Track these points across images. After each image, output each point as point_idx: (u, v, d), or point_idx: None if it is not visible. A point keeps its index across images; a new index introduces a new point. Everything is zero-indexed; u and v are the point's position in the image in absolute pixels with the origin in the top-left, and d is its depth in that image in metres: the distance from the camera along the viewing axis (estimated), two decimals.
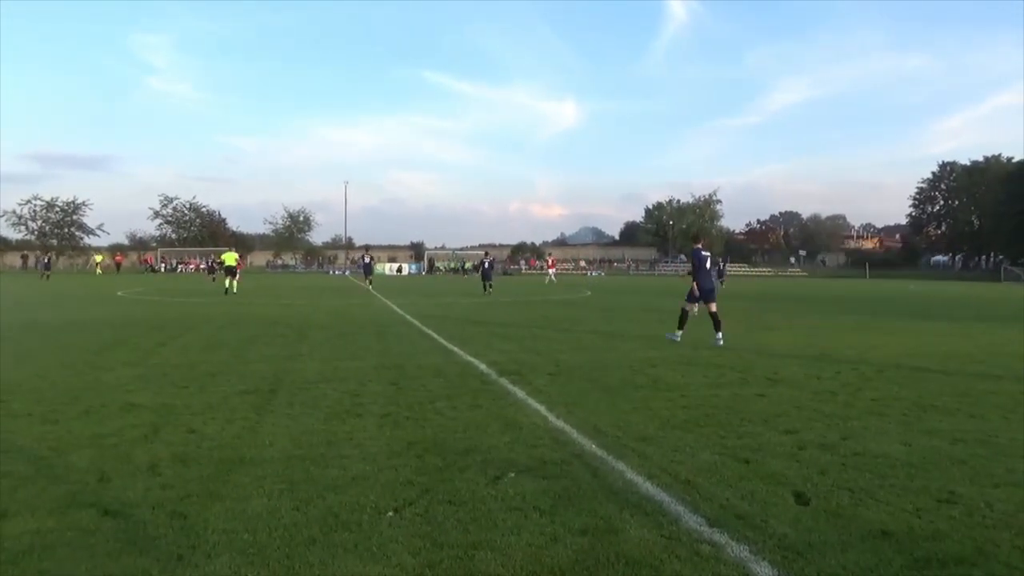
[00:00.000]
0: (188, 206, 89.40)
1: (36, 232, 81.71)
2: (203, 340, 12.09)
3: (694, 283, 12.48)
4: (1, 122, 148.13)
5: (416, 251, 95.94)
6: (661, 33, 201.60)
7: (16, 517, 3.84)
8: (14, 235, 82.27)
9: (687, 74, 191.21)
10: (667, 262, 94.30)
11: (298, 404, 6.82)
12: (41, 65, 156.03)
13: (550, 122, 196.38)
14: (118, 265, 67.94)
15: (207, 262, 51.10)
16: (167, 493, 4.24)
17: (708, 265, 12.72)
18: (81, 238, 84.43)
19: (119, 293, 28.93)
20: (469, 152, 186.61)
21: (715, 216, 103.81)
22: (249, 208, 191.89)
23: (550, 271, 50.05)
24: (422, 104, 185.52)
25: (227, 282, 28.72)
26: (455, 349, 11.00)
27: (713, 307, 12.35)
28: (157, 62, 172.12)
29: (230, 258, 30.32)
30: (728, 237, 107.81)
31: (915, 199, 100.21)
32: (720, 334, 12.06)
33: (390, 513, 3.91)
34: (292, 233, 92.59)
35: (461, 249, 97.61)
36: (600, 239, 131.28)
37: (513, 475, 4.60)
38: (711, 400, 7.20)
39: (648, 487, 4.40)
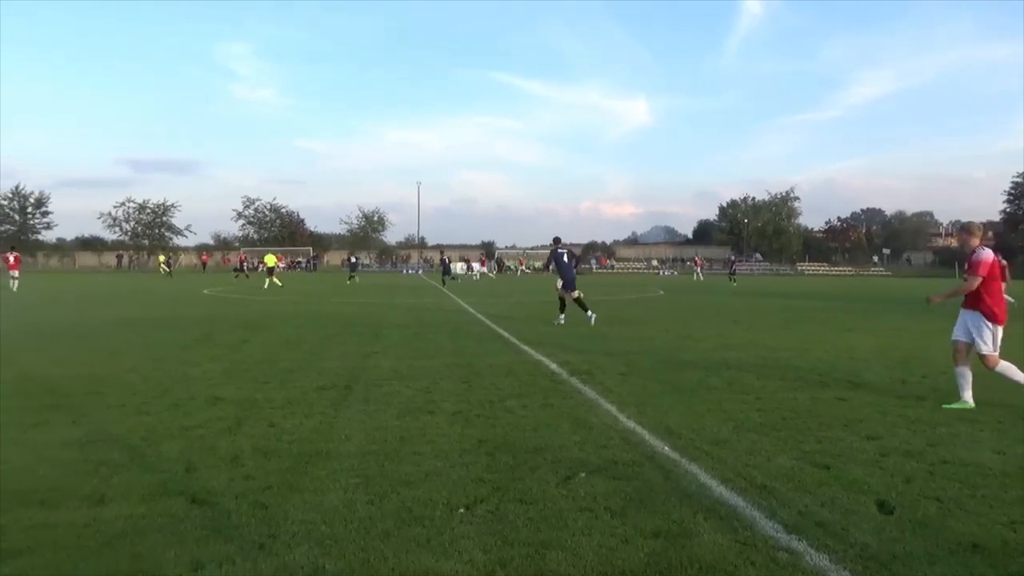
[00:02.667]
0: (269, 207, 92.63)
1: (129, 233, 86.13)
2: (282, 338, 12.51)
3: (558, 275, 15.96)
4: (99, 131, 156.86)
5: (487, 250, 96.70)
6: (735, 28, 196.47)
7: (112, 503, 4.06)
8: (110, 236, 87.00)
9: (762, 69, 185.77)
10: (742, 261, 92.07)
11: (373, 401, 6.97)
12: (135, 77, 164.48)
13: (621, 120, 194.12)
14: (204, 264, 70.93)
15: (239, 261, 54.32)
16: (249, 484, 4.41)
17: (566, 259, 15.94)
18: (170, 238, 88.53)
19: (205, 291, 30.22)
20: (539, 151, 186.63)
21: (792, 214, 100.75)
22: (326, 209, 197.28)
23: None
24: (492, 105, 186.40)
25: (266, 282, 33.32)
26: (526, 348, 11.03)
27: (575, 294, 15.59)
28: (241, 70, 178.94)
29: (270, 260, 36.49)
30: (806, 235, 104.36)
31: (1010, 194, 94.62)
32: (591, 312, 15.16)
33: (461, 510, 3.96)
34: (367, 233, 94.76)
35: (532, 248, 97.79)
36: (673, 238, 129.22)
37: (584, 475, 4.58)
38: (788, 403, 6.99)
39: (722, 491, 4.31)
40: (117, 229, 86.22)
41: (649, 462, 4.92)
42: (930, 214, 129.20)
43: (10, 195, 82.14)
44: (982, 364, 6.91)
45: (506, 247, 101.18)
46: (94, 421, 6.08)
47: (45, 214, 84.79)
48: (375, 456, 5.02)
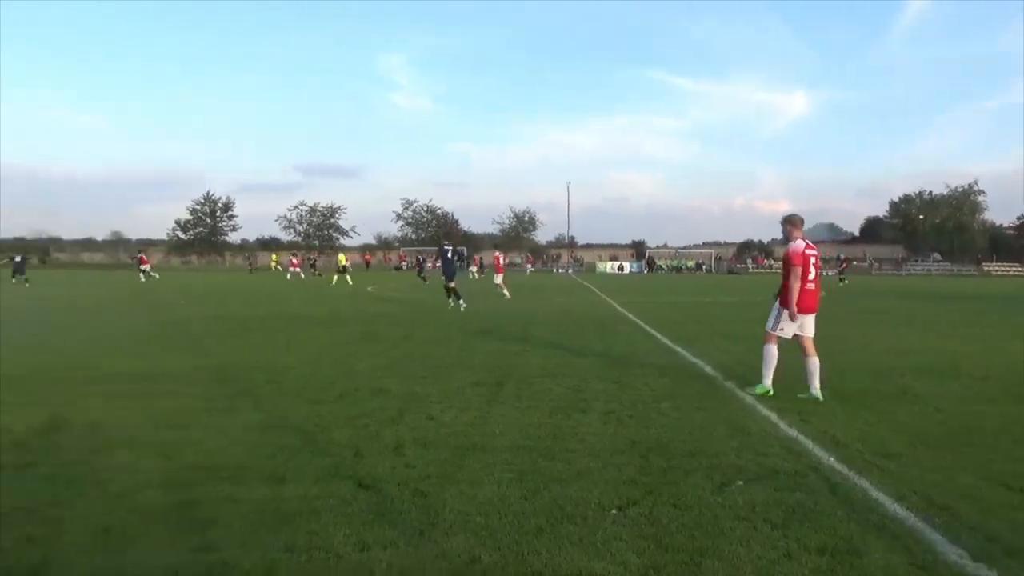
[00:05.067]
0: (426, 208, 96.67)
1: (302, 234, 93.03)
2: (437, 335, 13.02)
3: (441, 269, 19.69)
4: (276, 140, 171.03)
5: (637, 249, 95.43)
6: (901, 13, 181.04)
7: (290, 483, 4.41)
8: (285, 236, 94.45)
9: (932, 55, 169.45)
10: (917, 260, 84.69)
11: (525, 397, 7.10)
12: (307, 91, 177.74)
13: (776, 115, 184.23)
14: (367, 263, 75.18)
15: (310, 259, 58.06)
16: (410, 472, 4.63)
17: (450, 256, 19.86)
18: (337, 239, 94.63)
19: (368, 289, 32.03)
20: (691, 148, 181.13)
21: (976, 209, 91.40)
22: (478, 209, 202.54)
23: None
24: (644, 102, 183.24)
25: (334, 278, 37.39)
26: (679, 349, 10.79)
27: (451, 284, 19.46)
28: (400, 79, 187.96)
29: (342, 258, 40.87)
30: (993, 232, 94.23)
31: None
32: (462, 301, 18.54)
33: (614, 511, 3.94)
34: (518, 232, 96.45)
35: (684, 248, 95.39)
36: (837, 236, 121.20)
37: (741, 483, 4.42)
38: (973, 417, 6.36)
39: (896, 508, 4.00)
40: (292, 231, 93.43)
41: (813, 473, 4.65)
42: None
43: (202, 200, 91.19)
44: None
45: (657, 246, 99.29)
46: (273, 408, 6.63)
47: (231, 217, 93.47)
48: (528, 452, 5.11)
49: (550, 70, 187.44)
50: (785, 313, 7.26)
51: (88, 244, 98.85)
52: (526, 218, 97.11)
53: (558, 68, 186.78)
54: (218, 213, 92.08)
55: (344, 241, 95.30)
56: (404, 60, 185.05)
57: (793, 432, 5.72)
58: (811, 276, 7.33)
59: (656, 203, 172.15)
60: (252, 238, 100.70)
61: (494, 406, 6.69)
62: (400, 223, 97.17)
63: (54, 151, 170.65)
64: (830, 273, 50.99)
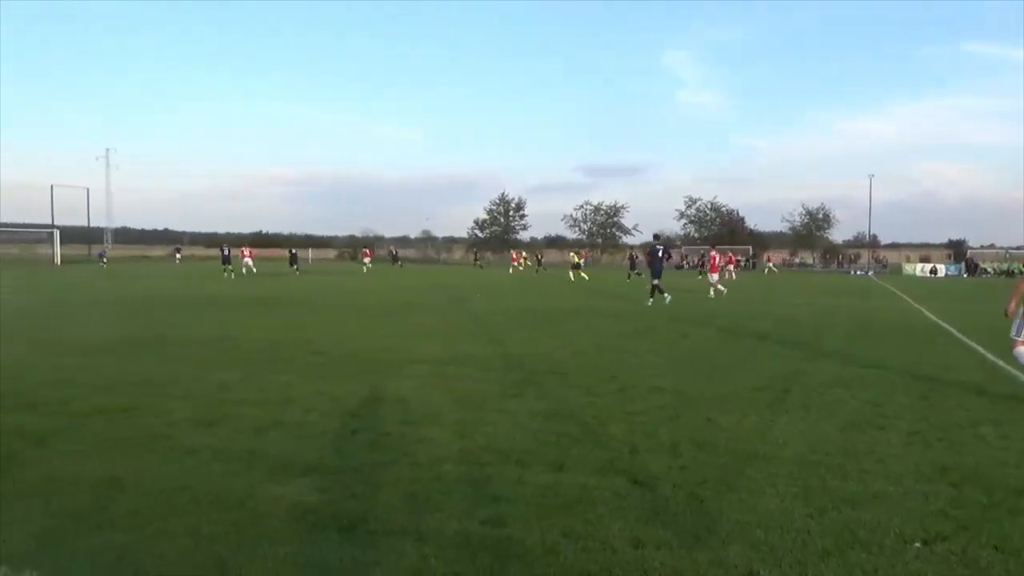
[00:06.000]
0: (709, 206, 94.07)
1: (586, 232, 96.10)
2: (716, 335, 12.64)
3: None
4: (562, 142, 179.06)
5: (956, 250, 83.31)
6: None
7: (569, 471, 4.62)
8: (570, 235, 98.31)
9: None
10: None
11: (814, 407, 6.62)
12: (591, 92, 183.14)
13: None
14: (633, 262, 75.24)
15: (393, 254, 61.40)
16: (686, 475, 4.57)
17: (660, 255, 20.43)
18: (620, 237, 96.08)
19: (655, 281, 32.09)
20: (1020, 134, 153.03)
21: None
22: (765, 206, 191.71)
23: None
24: (961, 82, 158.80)
25: (571, 275, 37.26)
26: (1007, 367, 9.23)
27: (656, 282, 19.65)
28: (685, 76, 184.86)
29: (575, 256, 40.11)
30: None
31: None
32: (666, 295, 19.29)
33: (917, 544, 3.51)
34: (810, 231, 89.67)
35: (1018, 248, 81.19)
36: None
37: None
38: None
39: None
40: (576, 229, 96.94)
41: None
42: None
43: (498, 201, 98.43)
44: None
45: (981, 246, 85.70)
46: (555, 398, 6.97)
47: (522, 217, 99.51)
48: (815, 467, 4.76)
49: (844, 54, 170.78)
50: None
51: (403, 241, 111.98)
52: (820, 215, 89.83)
53: (853, 51, 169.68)
54: (511, 213, 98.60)
55: (627, 240, 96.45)
56: (690, 56, 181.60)
57: None
58: None
59: (977, 197, 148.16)
60: (540, 236, 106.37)
61: (778, 414, 6.33)
62: (683, 221, 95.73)
63: (380, 161, 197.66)
64: None
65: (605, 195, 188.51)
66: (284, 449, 5.08)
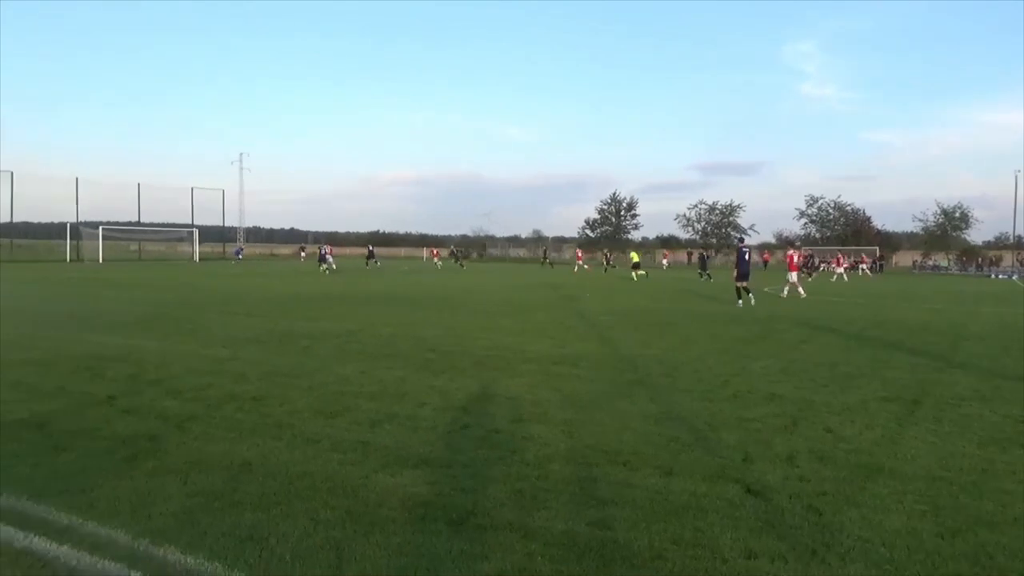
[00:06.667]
0: (832, 205, 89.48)
1: (700, 232, 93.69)
2: (839, 340, 12.00)
3: None
4: (676, 140, 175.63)
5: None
6: None
7: (678, 476, 4.53)
8: (683, 235, 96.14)
9: None
10: None
11: (946, 421, 6.17)
12: (707, 88, 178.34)
13: None
14: (765, 263, 72.56)
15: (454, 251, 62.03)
16: (804, 486, 4.38)
17: (747, 257, 20.10)
18: (736, 237, 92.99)
19: (765, 289, 30.90)
20: None
21: None
22: (895, 205, 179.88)
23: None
24: None
25: (634, 275, 37.88)
26: None
27: (744, 284, 19.42)
28: (807, 68, 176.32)
29: (635, 255, 42.05)
30: None
31: None
32: (752, 295, 19.37)
33: None
34: (945, 231, 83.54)
35: None
36: None
37: None
38: None
39: None
40: (690, 229, 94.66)
41: None
42: None
43: (609, 201, 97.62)
44: None
45: None
46: (667, 401, 6.85)
47: (634, 216, 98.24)
48: (947, 484, 4.45)
49: (985, 41, 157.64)
50: None
51: (514, 241, 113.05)
52: (956, 214, 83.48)
53: (996, 37, 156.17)
54: (622, 213, 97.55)
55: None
56: (813, 47, 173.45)
57: None
58: None
59: None
60: (652, 236, 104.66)
61: (906, 427, 5.95)
62: (803, 221, 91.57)
63: (495, 161, 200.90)
64: None
65: (720, 194, 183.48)
66: (397, 441, 5.26)
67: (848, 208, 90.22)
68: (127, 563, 3.21)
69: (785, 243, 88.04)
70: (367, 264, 49.74)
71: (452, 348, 10.21)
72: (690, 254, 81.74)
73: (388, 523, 3.70)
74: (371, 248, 54.39)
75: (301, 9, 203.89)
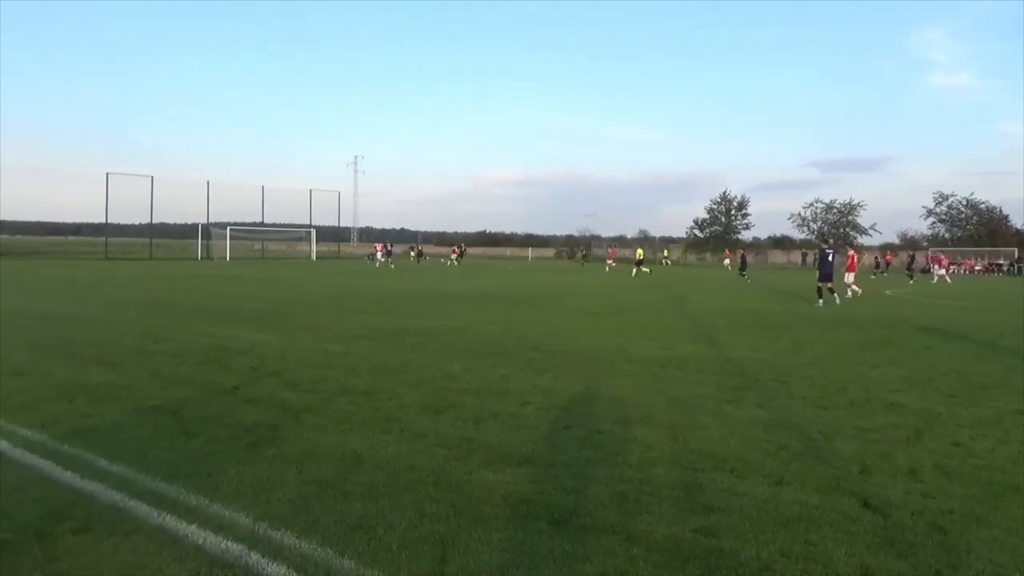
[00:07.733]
0: (964, 203, 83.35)
1: (816, 232, 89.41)
2: (969, 349, 11.18)
3: None
4: (790, 137, 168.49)
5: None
6: None
7: (789, 486, 4.36)
8: (798, 235, 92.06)
9: None
10: None
11: None
12: (824, 81, 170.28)
13: None
14: (887, 264, 68.52)
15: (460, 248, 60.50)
16: (927, 502, 4.12)
17: (830, 258, 20.54)
18: (855, 237, 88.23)
19: (887, 292, 29.23)
20: None
21: None
22: None
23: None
24: None
25: (649, 271, 39.73)
26: None
27: (827, 284, 20.11)
28: (936, 58, 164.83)
29: (640, 252, 43.59)
30: None
31: None
32: (836, 296, 20.24)
33: None
34: None
35: None
36: None
37: None
38: None
39: None
40: (805, 228, 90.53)
41: None
42: None
43: (719, 200, 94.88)
44: None
45: None
46: (777, 407, 6.60)
47: (745, 215, 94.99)
48: None
49: None
50: None
51: (620, 241, 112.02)
52: None
53: None
54: (732, 212, 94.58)
55: (863, 240, 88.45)
56: (943, 33, 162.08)
57: None
58: None
59: None
60: (764, 236, 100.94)
61: None
62: (931, 220, 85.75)
63: (602, 160, 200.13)
64: None
65: (839, 192, 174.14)
66: (500, 439, 5.33)
67: (982, 206, 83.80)
68: (247, 544, 3.41)
69: (911, 243, 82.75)
70: (417, 261, 55.02)
71: (555, 347, 10.23)
72: (802, 254, 78.24)
73: (491, 519, 3.76)
74: (419, 247, 58.86)
75: (410, 18, 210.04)
